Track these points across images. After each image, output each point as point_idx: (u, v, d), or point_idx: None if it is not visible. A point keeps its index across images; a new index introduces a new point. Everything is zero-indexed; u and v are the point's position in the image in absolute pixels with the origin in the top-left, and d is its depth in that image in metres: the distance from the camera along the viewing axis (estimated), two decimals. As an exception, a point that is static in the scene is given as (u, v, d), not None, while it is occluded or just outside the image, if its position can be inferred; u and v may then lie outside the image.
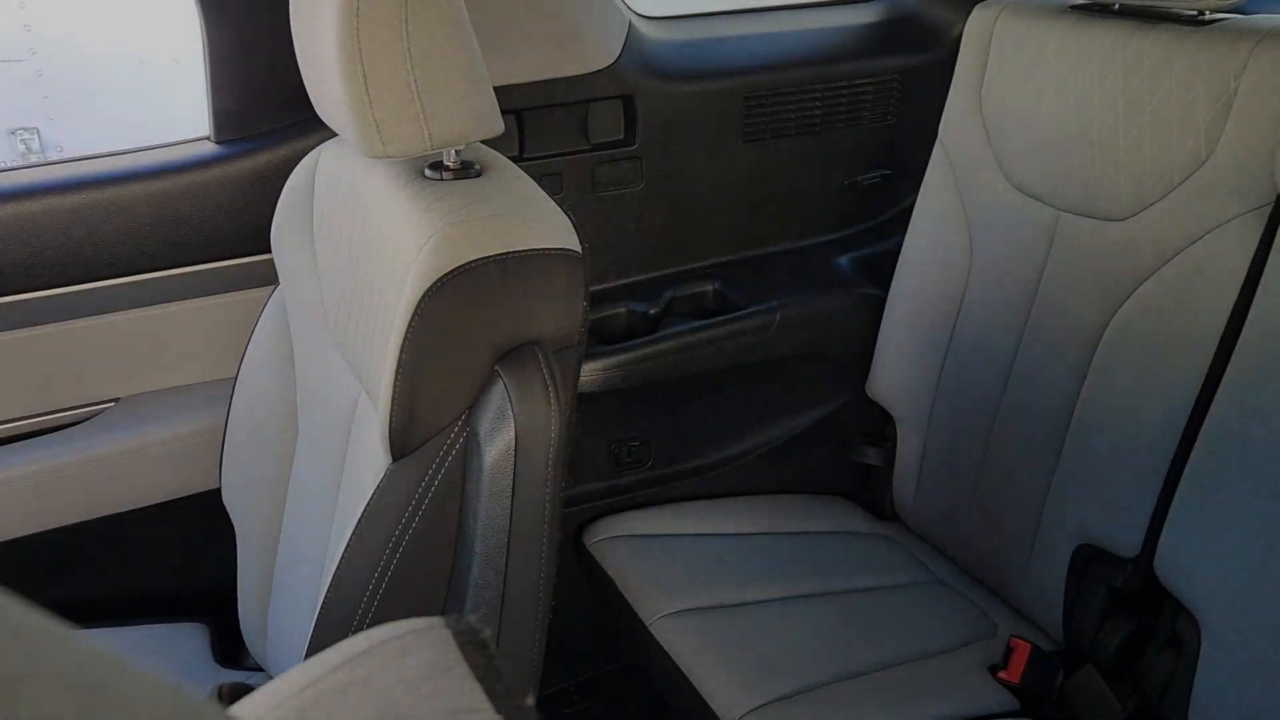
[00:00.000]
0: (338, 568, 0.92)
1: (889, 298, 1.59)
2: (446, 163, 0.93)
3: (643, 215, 1.58)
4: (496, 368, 0.86)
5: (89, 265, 1.28)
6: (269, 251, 1.22)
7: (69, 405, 1.33)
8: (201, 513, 1.35)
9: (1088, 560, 1.29)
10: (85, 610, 1.38)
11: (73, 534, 1.32)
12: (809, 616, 1.37)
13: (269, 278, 1.29)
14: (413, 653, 0.32)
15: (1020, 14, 1.39)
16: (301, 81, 1.01)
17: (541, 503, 0.88)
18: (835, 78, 1.64)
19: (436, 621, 0.33)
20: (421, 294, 0.83)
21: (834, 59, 1.64)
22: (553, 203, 0.92)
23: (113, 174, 1.28)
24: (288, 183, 1.16)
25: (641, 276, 1.62)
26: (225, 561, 1.28)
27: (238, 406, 1.23)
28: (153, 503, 1.35)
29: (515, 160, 1.36)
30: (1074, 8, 1.35)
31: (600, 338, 1.54)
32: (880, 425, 1.68)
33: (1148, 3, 1.24)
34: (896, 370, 1.58)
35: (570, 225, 0.90)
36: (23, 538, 1.28)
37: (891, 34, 1.72)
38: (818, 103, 1.64)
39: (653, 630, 1.35)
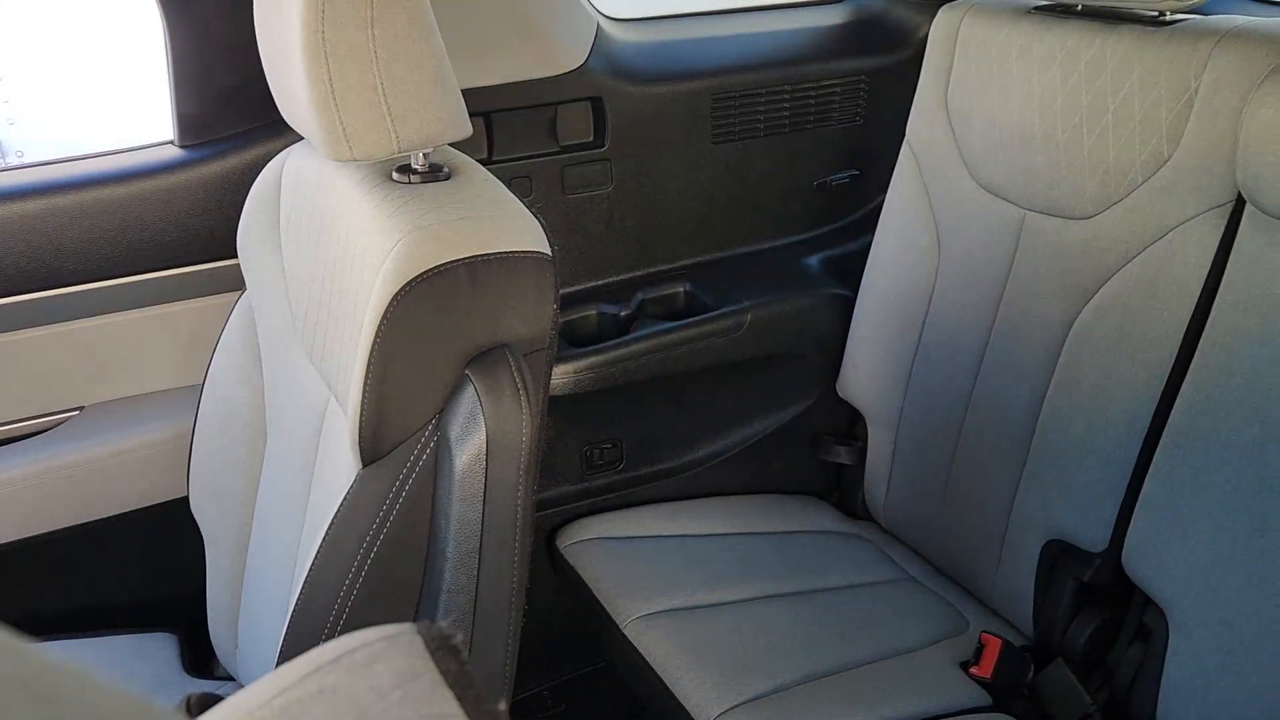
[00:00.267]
0: (308, 575, 0.91)
1: (858, 297, 1.60)
2: (414, 166, 0.93)
3: (612, 217, 1.58)
4: (467, 371, 0.86)
5: (52, 272, 1.26)
6: (235, 257, 1.21)
7: (32, 414, 1.31)
8: (169, 522, 1.33)
9: (1057, 555, 1.31)
10: (52, 622, 1.35)
11: (38, 545, 1.30)
12: (782, 616, 1.37)
13: (235, 283, 1.27)
14: (383, 660, 0.31)
15: (985, 15, 1.40)
16: (266, 84, 1.00)
17: (514, 506, 0.87)
18: (803, 79, 1.65)
19: (407, 628, 0.33)
20: (390, 298, 0.83)
21: (802, 60, 1.65)
22: (522, 205, 0.91)
23: (75, 179, 1.26)
24: (253, 187, 1.15)
25: (612, 278, 1.62)
26: (194, 570, 1.26)
27: (205, 413, 1.22)
28: (119, 512, 1.33)
29: (484, 163, 1.36)
30: (1038, 9, 1.36)
31: (571, 340, 1.54)
32: (851, 424, 1.69)
33: (1110, 4, 1.26)
34: (866, 369, 1.58)
35: (540, 228, 0.90)
36: None
37: (859, 35, 1.73)
38: (786, 104, 1.65)
39: (627, 632, 1.35)
